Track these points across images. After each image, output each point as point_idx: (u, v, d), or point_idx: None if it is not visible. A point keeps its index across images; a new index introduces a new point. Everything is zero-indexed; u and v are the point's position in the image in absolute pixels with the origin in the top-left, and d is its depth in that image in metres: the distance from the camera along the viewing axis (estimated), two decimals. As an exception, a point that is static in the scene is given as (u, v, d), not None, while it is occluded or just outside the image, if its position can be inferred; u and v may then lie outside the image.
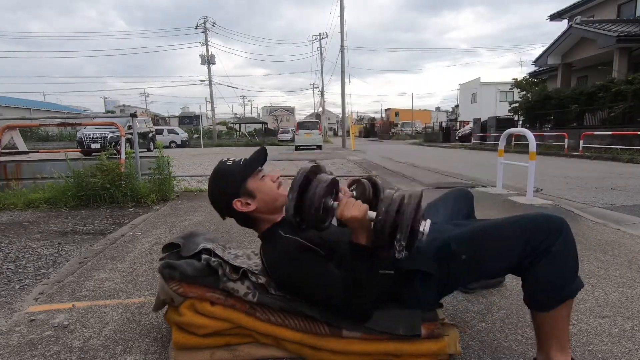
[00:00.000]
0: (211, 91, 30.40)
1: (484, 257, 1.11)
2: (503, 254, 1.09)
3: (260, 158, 1.26)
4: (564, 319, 1.05)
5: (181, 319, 1.18)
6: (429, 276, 1.13)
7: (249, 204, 1.21)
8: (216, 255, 1.26)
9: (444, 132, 27.27)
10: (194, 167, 8.58)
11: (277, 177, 1.30)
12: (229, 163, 1.25)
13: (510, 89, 21.72)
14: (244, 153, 1.34)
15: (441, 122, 46.30)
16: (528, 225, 1.08)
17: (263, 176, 1.26)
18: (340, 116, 24.60)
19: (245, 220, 1.25)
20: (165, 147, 7.48)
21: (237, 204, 1.20)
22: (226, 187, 1.22)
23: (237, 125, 36.79)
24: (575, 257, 1.05)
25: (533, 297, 1.07)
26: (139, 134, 5.82)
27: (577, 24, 14.13)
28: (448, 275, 1.14)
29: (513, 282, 1.75)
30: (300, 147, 18.27)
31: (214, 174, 1.26)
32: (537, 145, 4.05)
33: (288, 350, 1.19)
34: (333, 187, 1.12)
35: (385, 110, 69.55)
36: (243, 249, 1.60)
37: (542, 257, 1.03)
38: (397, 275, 1.15)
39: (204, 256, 1.23)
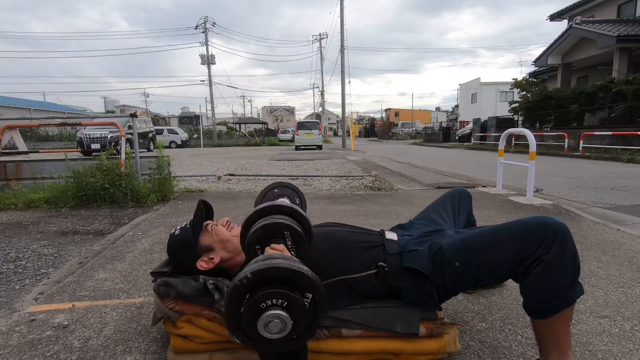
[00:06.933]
0: (211, 91, 30.43)
1: (476, 265, 1.09)
2: (495, 261, 1.08)
3: (202, 213, 1.27)
4: (563, 326, 1.03)
5: (179, 331, 1.18)
6: (426, 277, 1.14)
7: (212, 258, 1.23)
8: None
9: (443, 132, 27.27)
10: (194, 167, 8.58)
11: (226, 221, 1.32)
12: (177, 233, 1.26)
13: (510, 89, 21.73)
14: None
15: (441, 122, 46.24)
16: (521, 232, 1.05)
17: (213, 226, 1.28)
18: (340, 116, 24.61)
19: (217, 274, 1.24)
20: (165, 147, 7.48)
21: (202, 264, 1.22)
22: (185, 255, 1.24)
23: (237, 125, 36.83)
24: (575, 265, 1.01)
25: (528, 304, 1.06)
26: (139, 134, 5.81)
27: (577, 24, 14.14)
28: (443, 281, 1.13)
29: (513, 282, 1.74)
30: (300, 147, 18.24)
31: (169, 250, 1.28)
32: (537, 145, 4.05)
33: None
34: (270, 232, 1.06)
35: (385, 110, 69.65)
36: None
37: (535, 266, 1.01)
38: (395, 271, 1.16)
39: (201, 276, 1.22)
